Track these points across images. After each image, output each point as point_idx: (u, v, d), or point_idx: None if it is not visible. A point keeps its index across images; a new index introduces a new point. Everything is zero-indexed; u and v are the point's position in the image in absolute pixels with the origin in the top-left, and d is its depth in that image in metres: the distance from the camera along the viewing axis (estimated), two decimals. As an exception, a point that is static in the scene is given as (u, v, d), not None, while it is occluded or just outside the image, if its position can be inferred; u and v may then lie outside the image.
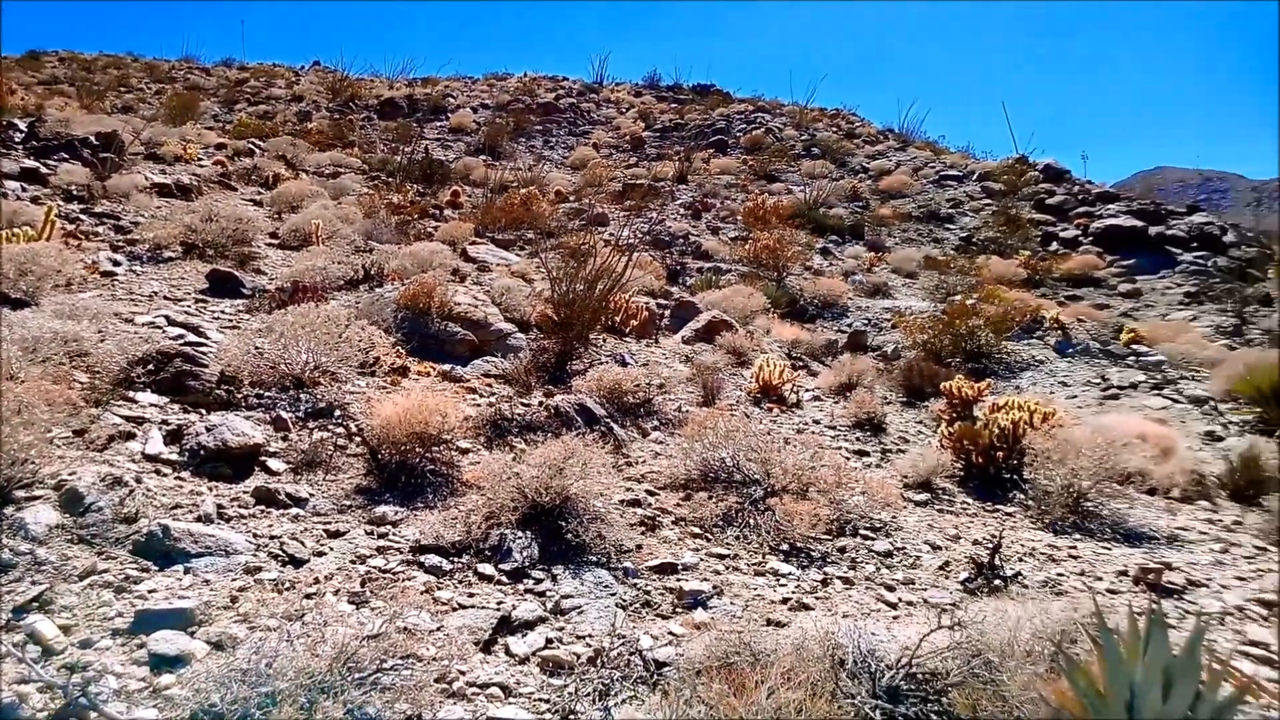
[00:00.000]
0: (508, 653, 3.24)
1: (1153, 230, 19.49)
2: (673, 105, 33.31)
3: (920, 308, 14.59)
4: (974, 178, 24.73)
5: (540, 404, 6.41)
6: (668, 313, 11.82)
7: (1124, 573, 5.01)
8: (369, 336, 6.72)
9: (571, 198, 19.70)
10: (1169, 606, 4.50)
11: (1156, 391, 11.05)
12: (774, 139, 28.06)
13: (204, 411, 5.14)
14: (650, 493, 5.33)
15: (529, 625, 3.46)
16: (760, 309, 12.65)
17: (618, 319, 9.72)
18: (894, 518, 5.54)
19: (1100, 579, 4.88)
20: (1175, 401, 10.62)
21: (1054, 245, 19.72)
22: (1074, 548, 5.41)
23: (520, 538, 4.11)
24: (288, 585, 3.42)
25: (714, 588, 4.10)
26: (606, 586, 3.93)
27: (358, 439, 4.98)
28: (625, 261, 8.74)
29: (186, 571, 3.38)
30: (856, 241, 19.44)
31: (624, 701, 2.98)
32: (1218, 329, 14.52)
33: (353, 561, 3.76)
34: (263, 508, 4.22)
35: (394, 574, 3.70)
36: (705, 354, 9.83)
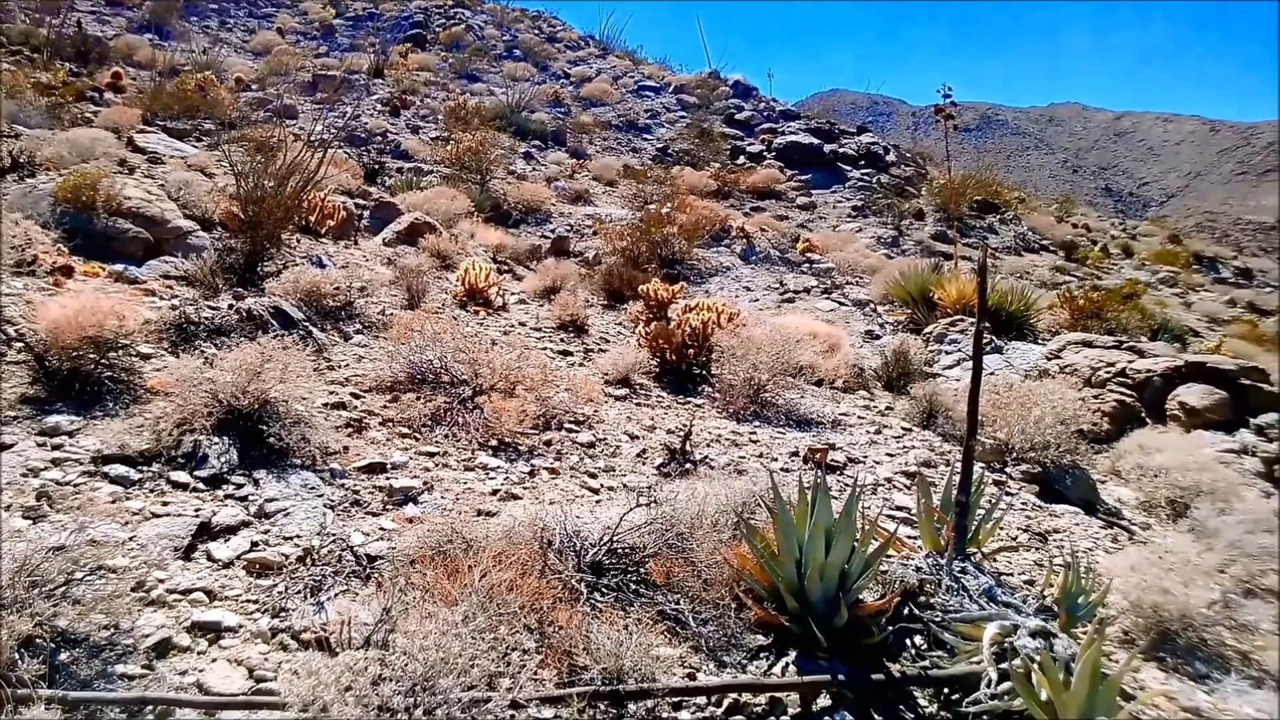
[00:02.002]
0: (210, 558, 3.12)
1: (827, 148, 21.36)
2: (367, -8, 31.33)
3: (620, 215, 15.09)
4: (670, 90, 25.65)
5: (230, 307, 6.00)
6: (367, 214, 11.38)
7: (796, 453, 5.66)
8: (24, 233, 5.93)
9: (255, 86, 18.18)
10: (833, 480, 5.16)
11: (826, 295, 12.35)
12: (475, 37, 27.33)
13: None
14: (355, 395, 5.23)
15: (232, 530, 3.33)
16: (464, 212, 12.52)
17: (312, 219, 9.22)
18: (596, 412, 5.84)
19: (776, 459, 5.49)
20: (842, 304, 11.94)
21: (741, 159, 21.04)
22: (754, 433, 6.01)
23: (217, 443, 3.91)
24: (-54, 504, 3.05)
25: (424, 484, 4.16)
26: (313, 488, 3.87)
27: (19, 345, 4.44)
28: (319, 158, 8.25)
29: None
30: (559, 147, 19.60)
31: (337, 595, 3.00)
32: (879, 240, 16.37)
33: (24, 475, 3.39)
34: (-100, 422, 3.70)
35: (75, 486, 3.40)
36: (408, 257, 9.62)
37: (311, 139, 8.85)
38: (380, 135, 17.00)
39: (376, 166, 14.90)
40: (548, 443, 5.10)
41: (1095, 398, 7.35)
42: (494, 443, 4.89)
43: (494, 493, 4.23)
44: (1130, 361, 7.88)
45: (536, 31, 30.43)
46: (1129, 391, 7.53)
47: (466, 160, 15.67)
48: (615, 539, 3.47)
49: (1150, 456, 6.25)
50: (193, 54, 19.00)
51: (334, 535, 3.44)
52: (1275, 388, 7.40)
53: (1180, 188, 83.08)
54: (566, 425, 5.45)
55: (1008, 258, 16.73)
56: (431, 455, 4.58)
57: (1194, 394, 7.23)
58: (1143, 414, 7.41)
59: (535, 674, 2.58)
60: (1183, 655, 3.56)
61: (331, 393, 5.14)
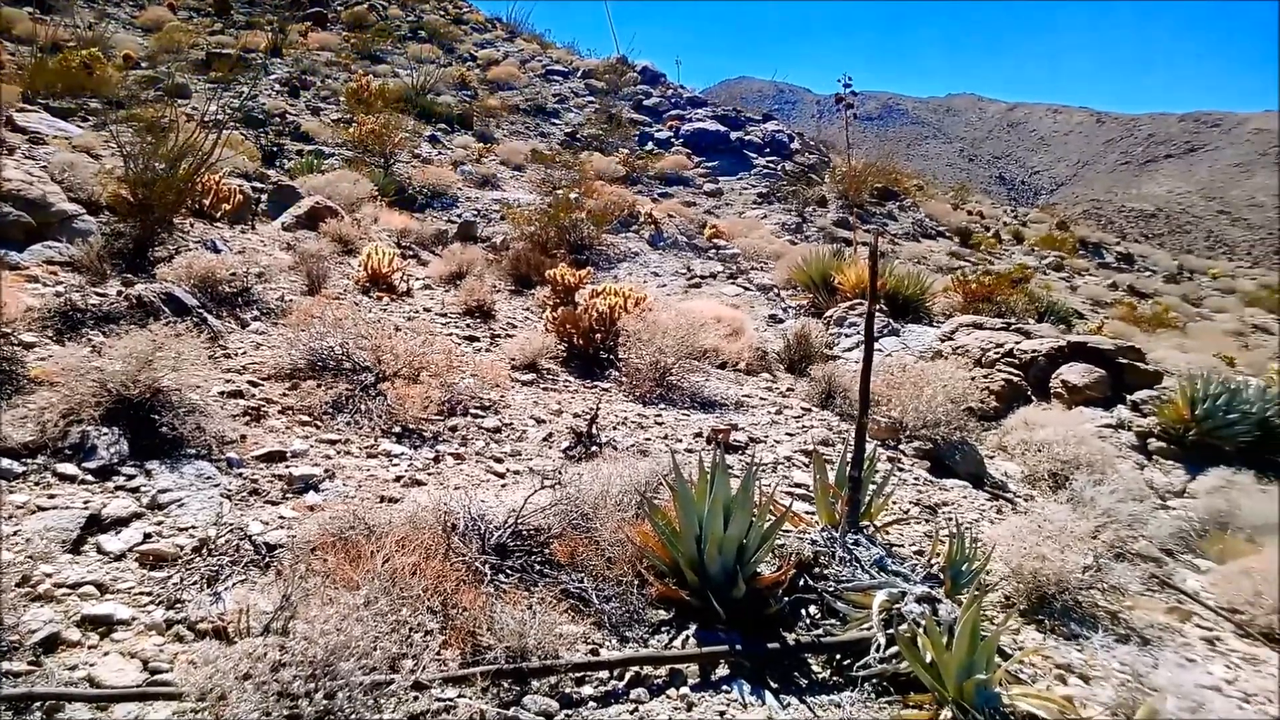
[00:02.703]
0: (100, 551, 3.04)
1: (734, 135, 21.64)
2: (263, -32, 30.28)
3: (528, 200, 15.02)
4: (579, 75, 25.57)
5: (119, 293, 5.79)
6: (265, 197, 11.08)
7: (700, 434, 5.78)
8: (-113, 214, 5.61)
9: (144, 64, 17.40)
10: (735, 459, 5.28)
11: (732, 280, 12.55)
12: (378, 17, 26.71)
13: None
14: (253, 383, 5.12)
15: (123, 522, 3.25)
16: (367, 196, 12.29)
17: (207, 202, 8.92)
18: (503, 397, 5.85)
19: (681, 440, 5.59)
20: (747, 289, 12.15)
21: (649, 145, 21.13)
22: (660, 415, 6.10)
23: (106, 434, 3.79)
24: None
25: (325, 472, 4.11)
26: (209, 478, 3.79)
27: (-116, 334, 4.22)
28: (213, 139, 8.00)
29: None
30: (465, 131, 19.36)
31: (235, 585, 2.96)
32: (783, 226, 16.68)
33: (-107, 471, 3.25)
34: None
35: (-49, 481, 3.27)
36: (309, 241, 9.40)
37: (205, 119, 8.57)
38: (279, 116, 16.51)
39: (275, 148, 14.52)
40: (453, 428, 5.09)
41: (985, 377, 7.67)
42: (397, 429, 4.86)
43: (397, 479, 4.22)
44: (1018, 342, 8.25)
45: (442, 13, 29.86)
46: (1016, 371, 7.89)
47: (370, 143, 15.37)
48: (520, 521, 3.51)
49: (1034, 432, 6.58)
50: (77, 29, 18.09)
51: (231, 525, 3.39)
52: (1150, 365, 7.85)
53: (1069, 176, 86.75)
54: (472, 411, 5.45)
55: (906, 243, 17.23)
56: (333, 443, 4.53)
57: (1075, 372, 7.61)
58: (1029, 392, 7.77)
59: (438, 654, 2.61)
60: (1058, 616, 3.79)
61: (228, 381, 5.02)
